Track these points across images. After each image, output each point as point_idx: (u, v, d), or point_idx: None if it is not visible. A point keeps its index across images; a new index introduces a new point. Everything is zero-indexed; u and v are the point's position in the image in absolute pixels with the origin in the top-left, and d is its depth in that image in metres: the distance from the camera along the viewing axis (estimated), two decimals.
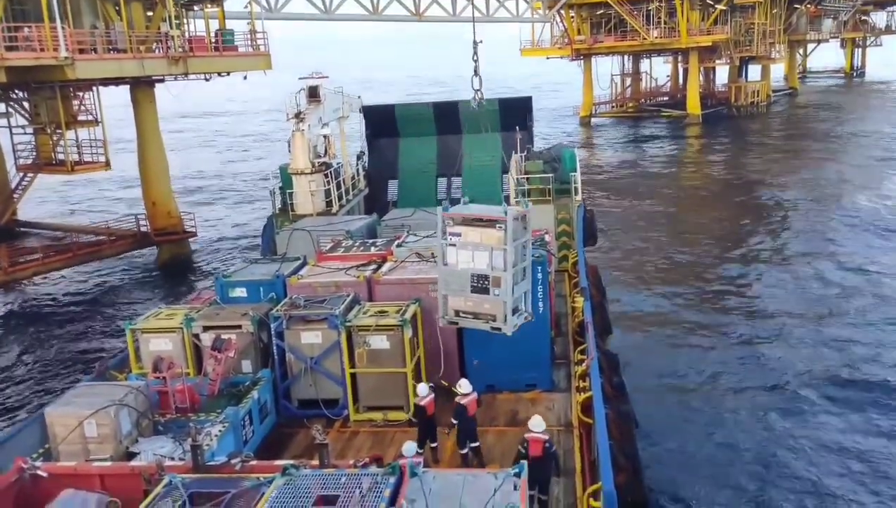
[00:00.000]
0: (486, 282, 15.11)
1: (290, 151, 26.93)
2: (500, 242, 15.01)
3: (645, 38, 78.80)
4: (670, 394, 22.93)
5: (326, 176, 26.91)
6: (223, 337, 15.61)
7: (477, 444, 14.05)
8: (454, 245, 15.12)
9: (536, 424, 12.65)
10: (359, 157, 31.68)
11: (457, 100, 32.30)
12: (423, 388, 14.48)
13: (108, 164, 36.13)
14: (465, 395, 13.99)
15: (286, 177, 27.23)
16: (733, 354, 25.76)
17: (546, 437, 12.51)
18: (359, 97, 31.77)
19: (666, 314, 29.96)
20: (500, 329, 14.83)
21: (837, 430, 20.60)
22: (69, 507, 10.60)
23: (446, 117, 31.54)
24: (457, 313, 15.37)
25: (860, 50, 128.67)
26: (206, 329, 16.36)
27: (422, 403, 14.21)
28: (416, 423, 14.59)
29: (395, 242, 19.76)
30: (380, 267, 18.31)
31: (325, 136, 28.10)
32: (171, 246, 39.84)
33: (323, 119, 27.80)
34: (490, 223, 15.01)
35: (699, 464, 19.12)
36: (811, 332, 27.37)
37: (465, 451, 13.91)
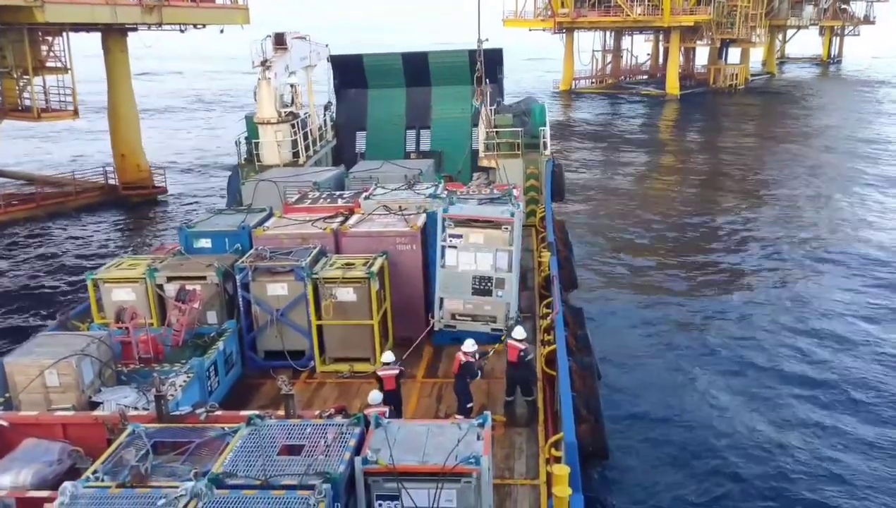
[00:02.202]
0: (489, 284, 15.37)
1: (255, 100, 26.42)
2: (504, 243, 15.13)
3: (628, 15, 78.20)
4: (633, 348, 23.33)
5: (293, 126, 26.50)
6: (188, 287, 15.48)
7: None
8: (455, 247, 15.08)
9: (518, 332, 13.95)
10: (326, 108, 31.22)
11: (426, 51, 31.86)
12: (386, 356, 13.79)
13: (76, 113, 35.17)
14: (466, 353, 13.72)
15: (252, 126, 26.77)
16: (696, 310, 26.23)
17: (523, 346, 13.83)
18: (326, 45, 31.14)
19: (631, 270, 30.35)
20: (501, 330, 14.88)
21: (795, 388, 21.11)
22: (31, 456, 10.54)
23: (416, 68, 31.10)
24: (453, 316, 15.43)
25: (838, 38, 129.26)
26: (170, 279, 16.19)
27: (379, 373, 13.44)
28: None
29: (363, 194, 19.63)
30: (347, 219, 18.20)
31: (291, 85, 27.61)
32: (139, 199, 39.18)
33: (290, 67, 27.27)
34: (493, 224, 15.10)
35: (659, 416, 19.56)
36: (773, 291, 27.92)
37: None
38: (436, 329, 15.47)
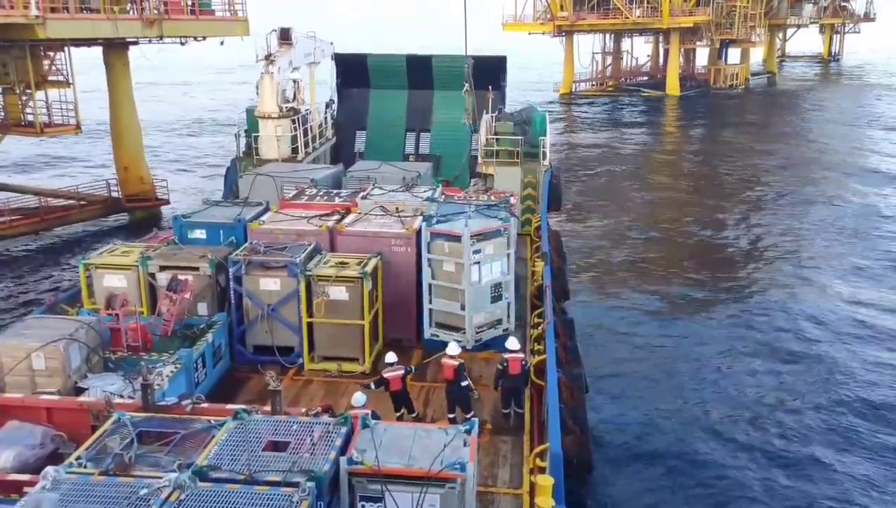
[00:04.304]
0: (501, 289, 16.24)
1: (257, 94, 26.39)
2: (505, 248, 16.13)
3: (627, 17, 78.78)
4: (622, 361, 23.34)
5: (294, 122, 26.48)
6: (180, 277, 15.42)
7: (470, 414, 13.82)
8: (478, 262, 15.69)
9: (513, 343, 14.12)
10: (328, 106, 31.21)
11: (430, 55, 31.93)
12: (389, 356, 13.99)
13: (78, 127, 34.92)
14: (453, 357, 13.94)
15: (252, 120, 26.73)
16: (688, 326, 26.24)
17: (522, 356, 14.14)
18: (331, 43, 31.15)
19: (624, 283, 30.35)
20: (508, 329, 15.52)
21: (789, 404, 21.13)
22: (14, 438, 10.47)
23: (419, 71, 31.14)
24: (476, 330, 15.98)
25: (838, 36, 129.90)
26: (162, 268, 16.14)
27: (385, 375, 13.66)
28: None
29: (360, 194, 19.62)
30: (343, 217, 18.18)
31: (294, 81, 27.61)
32: (142, 213, 39.06)
33: (293, 63, 27.27)
34: (497, 231, 16.05)
35: (646, 432, 19.57)
36: (769, 310, 27.82)
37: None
38: (469, 348, 15.80)
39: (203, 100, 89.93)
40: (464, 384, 13.76)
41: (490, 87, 28.38)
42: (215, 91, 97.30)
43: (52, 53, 34.17)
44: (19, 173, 49.55)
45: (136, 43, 36.98)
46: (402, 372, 13.70)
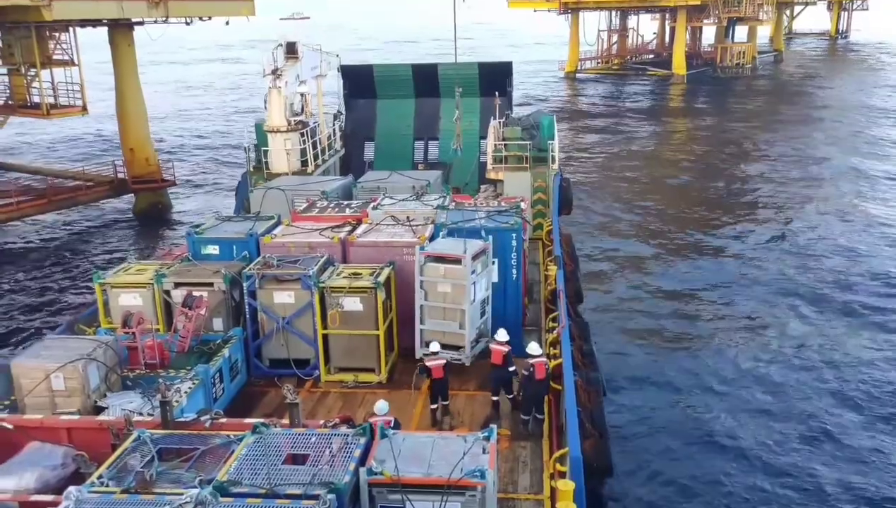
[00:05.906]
0: (486, 304, 16.63)
1: (265, 108, 26.53)
2: (486, 266, 16.52)
3: None
4: (639, 364, 23.23)
5: (302, 134, 26.59)
6: (195, 294, 15.50)
7: (534, 417, 14.06)
8: (475, 282, 15.99)
9: (534, 349, 14.13)
10: (335, 117, 31.32)
11: (436, 63, 31.97)
12: (433, 345, 14.78)
13: (84, 109, 35.16)
14: (501, 343, 14.57)
15: (261, 134, 26.87)
16: (703, 326, 26.09)
17: (545, 360, 14.26)
18: (337, 55, 31.30)
19: (638, 284, 30.20)
20: (493, 340, 15.63)
21: (810, 411, 20.93)
22: (35, 460, 10.55)
23: (425, 80, 31.24)
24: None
25: (846, 13, 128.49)
26: (177, 285, 16.22)
27: (428, 363, 14.30)
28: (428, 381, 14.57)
29: (371, 204, 19.67)
30: (354, 228, 18.23)
31: (302, 94, 27.73)
32: (149, 194, 39.25)
33: (300, 76, 27.40)
34: (483, 251, 16.43)
35: (664, 433, 19.46)
36: (787, 309, 27.53)
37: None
38: (469, 364, 16.20)
39: (204, 78, 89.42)
40: (511, 369, 14.35)
41: (497, 93, 28.41)
42: (217, 67, 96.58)
43: (57, 34, 34.38)
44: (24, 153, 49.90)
45: (141, 23, 37.15)
46: (444, 361, 14.43)
